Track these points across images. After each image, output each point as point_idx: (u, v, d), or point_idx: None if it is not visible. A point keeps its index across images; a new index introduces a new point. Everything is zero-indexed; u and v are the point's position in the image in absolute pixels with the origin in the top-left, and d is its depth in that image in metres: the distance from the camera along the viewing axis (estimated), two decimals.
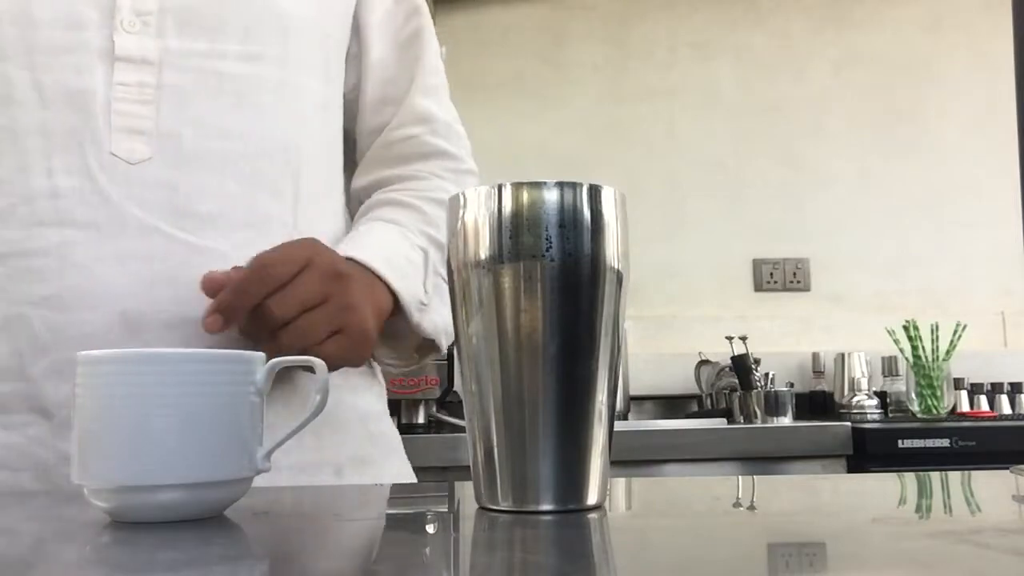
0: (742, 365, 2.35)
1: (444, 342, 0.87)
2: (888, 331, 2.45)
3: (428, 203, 0.90)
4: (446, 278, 0.80)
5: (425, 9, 0.97)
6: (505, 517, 0.48)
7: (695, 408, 2.55)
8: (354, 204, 0.95)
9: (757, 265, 2.75)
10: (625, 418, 2.42)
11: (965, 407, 2.47)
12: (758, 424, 2.22)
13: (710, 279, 2.71)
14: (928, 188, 2.78)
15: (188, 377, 0.50)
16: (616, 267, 0.50)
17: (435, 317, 0.85)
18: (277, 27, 0.81)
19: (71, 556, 0.44)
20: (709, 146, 2.76)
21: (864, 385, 2.48)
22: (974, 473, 0.72)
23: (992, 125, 2.71)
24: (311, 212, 0.83)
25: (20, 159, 0.74)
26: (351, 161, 0.95)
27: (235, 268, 0.72)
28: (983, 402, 2.48)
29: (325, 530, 0.50)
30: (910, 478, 0.82)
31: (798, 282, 2.75)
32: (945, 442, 2.02)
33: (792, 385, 2.49)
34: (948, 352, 2.40)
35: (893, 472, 0.82)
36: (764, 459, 1.95)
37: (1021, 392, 2.48)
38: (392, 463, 0.88)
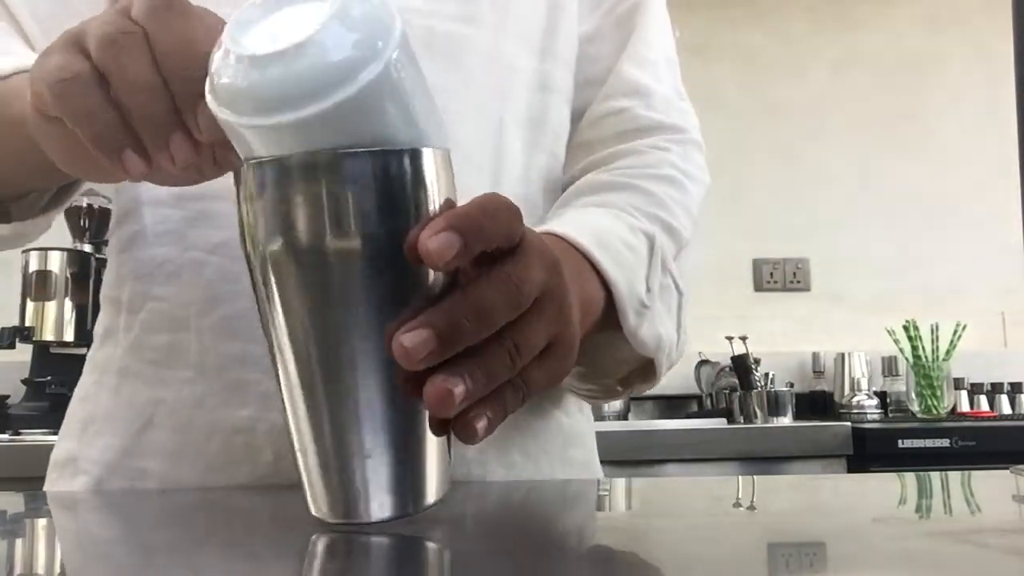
0: (742, 365, 2.35)
1: (665, 366, 0.67)
2: (888, 331, 2.45)
3: (651, 180, 0.71)
4: (677, 280, 0.68)
5: None
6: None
7: (695, 408, 2.55)
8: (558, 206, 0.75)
9: (757, 265, 2.75)
10: (625, 418, 2.42)
11: (965, 407, 2.47)
12: (758, 424, 2.22)
13: (710, 279, 2.71)
14: (928, 188, 2.77)
15: None
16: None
17: (659, 328, 0.64)
18: None
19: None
20: (709, 146, 2.73)
21: (864, 385, 2.48)
22: (974, 473, 0.72)
23: (992, 125, 2.70)
24: (513, 194, 0.70)
25: None
26: None
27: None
28: (983, 402, 2.48)
29: None
30: (910, 478, 0.82)
31: (798, 282, 2.75)
32: (945, 442, 2.02)
33: (792, 385, 2.49)
34: (948, 352, 2.40)
35: (893, 472, 0.82)
36: (764, 459, 1.95)
37: (1021, 392, 2.48)
38: None
